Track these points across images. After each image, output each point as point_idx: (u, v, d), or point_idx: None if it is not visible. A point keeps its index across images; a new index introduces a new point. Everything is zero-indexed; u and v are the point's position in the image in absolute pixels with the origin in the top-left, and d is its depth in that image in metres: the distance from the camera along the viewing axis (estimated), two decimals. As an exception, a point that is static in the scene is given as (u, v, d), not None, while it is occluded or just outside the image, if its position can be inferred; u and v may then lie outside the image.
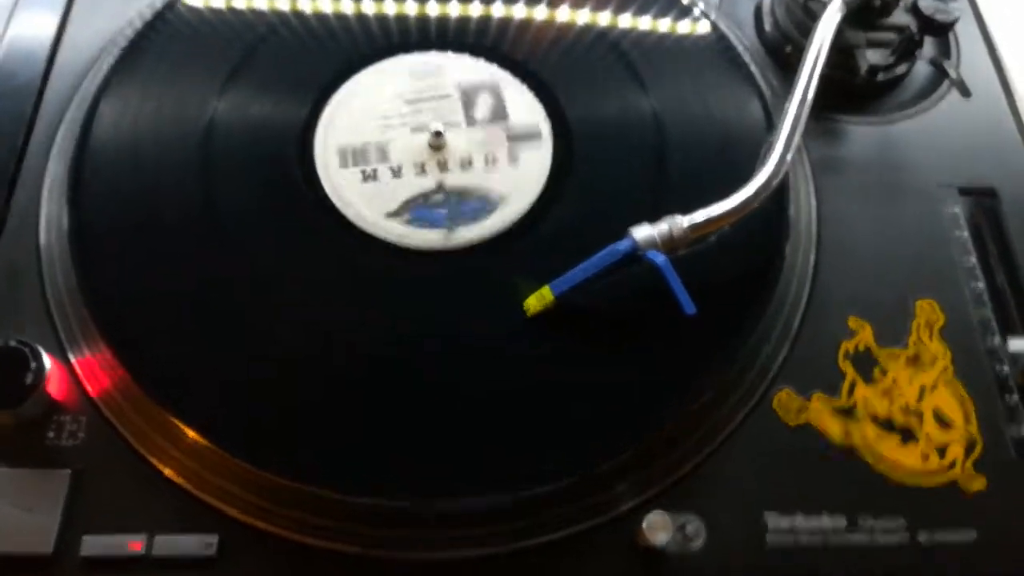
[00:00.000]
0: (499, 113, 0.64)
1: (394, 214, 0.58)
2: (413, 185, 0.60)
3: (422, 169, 0.61)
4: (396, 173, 0.60)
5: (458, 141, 0.62)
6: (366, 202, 0.59)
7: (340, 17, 0.67)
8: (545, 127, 0.63)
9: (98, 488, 0.50)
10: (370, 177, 0.60)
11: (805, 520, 0.51)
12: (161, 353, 0.52)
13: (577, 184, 0.60)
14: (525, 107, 0.64)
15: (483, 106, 0.64)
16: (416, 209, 0.59)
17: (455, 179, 0.60)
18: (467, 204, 0.59)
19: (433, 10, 0.68)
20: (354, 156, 0.60)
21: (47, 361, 0.51)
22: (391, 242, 0.57)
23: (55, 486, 0.49)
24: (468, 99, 0.64)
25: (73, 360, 0.53)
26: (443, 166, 0.61)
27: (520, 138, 0.63)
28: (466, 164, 0.61)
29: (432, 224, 0.58)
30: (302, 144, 0.61)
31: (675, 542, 0.49)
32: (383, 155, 0.61)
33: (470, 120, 0.63)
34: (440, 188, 0.60)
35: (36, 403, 0.50)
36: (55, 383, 0.51)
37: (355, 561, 0.49)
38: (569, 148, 0.62)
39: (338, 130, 0.62)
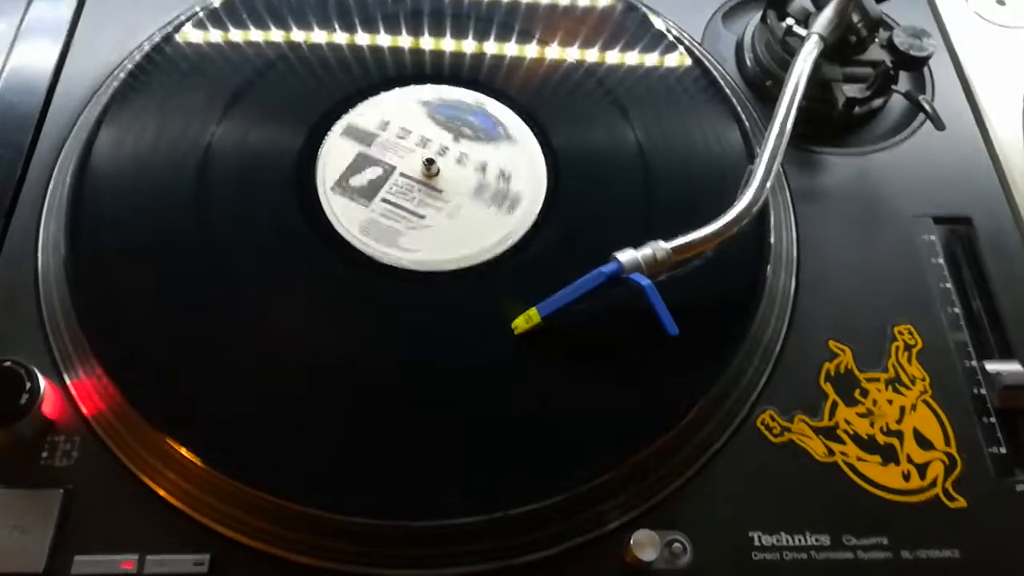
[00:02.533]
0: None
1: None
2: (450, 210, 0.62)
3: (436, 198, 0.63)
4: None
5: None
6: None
7: (335, 50, 0.69)
8: (538, 156, 0.65)
9: (91, 508, 0.50)
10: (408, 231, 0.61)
11: (789, 538, 0.52)
12: (155, 375, 0.53)
13: (566, 210, 0.62)
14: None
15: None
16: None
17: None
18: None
19: (429, 45, 0.70)
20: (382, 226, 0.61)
21: (42, 382, 0.51)
22: (384, 264, 0.58)
23: (48, 506, 0.50)
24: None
25: (68, 381, 0.54)
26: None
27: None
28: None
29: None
30: (299, 172, 0.62)
31: (662, 559, 0.50)
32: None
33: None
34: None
35: (31, 423, 0.51)
36: (50, 403, 0.52)
37: (343, 578, 0.49)
38: (559, 177, 0.64)
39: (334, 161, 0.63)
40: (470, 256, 0.59)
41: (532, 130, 0.66)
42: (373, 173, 0.63)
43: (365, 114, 0.66)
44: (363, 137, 0.65)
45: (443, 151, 0.64)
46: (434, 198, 0.62)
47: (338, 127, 0.65)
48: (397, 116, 0.66)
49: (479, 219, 0.61)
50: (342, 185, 0.62)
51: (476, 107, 0.67)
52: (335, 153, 0.64)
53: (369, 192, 0.62)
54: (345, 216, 0.61)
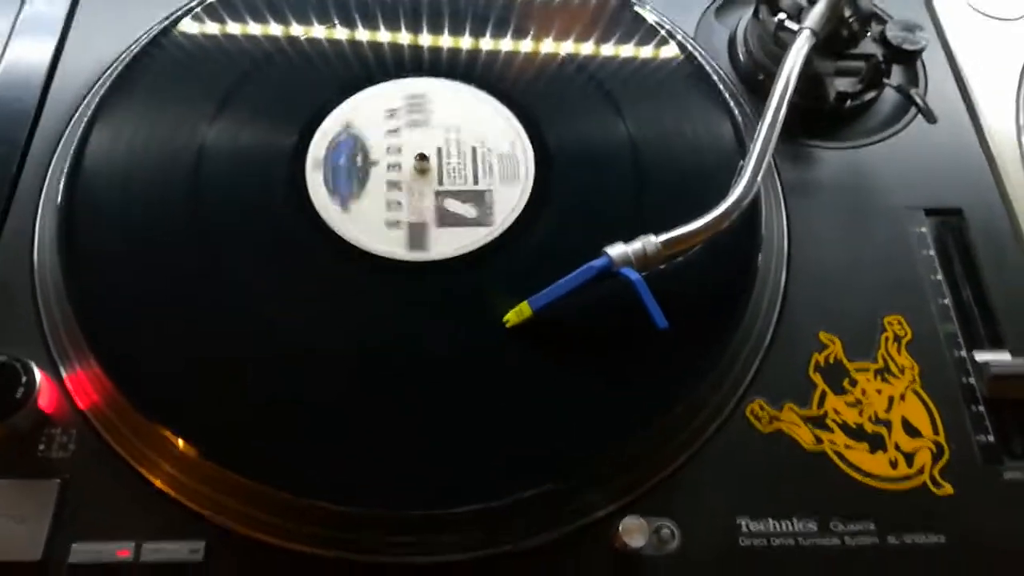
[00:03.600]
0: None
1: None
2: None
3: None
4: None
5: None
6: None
7: (333, 44, 0.70)
8: (528, 151, 0.65)
9: (87, 497, 0.51)
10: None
11: (777, 524, 0.52)
12: (149, 368, 0.54)
13: (557, 205, 0.63)
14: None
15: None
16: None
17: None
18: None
19: (424, 40, 0.71)
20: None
21: (38, 375, 0.52)
22: (377, 255, 0.59)
23: (45, 496, 0.51)
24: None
25: (64, 375, 0.55)
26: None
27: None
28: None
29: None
30: (291, 166, 0.63)
31: (650, 545, 0.50)
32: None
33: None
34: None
35: (27, 416, 0.52)
36: (46, 397, 0.53)
37: (337, 565, 0.50)
38: (549, 171, 0.64)
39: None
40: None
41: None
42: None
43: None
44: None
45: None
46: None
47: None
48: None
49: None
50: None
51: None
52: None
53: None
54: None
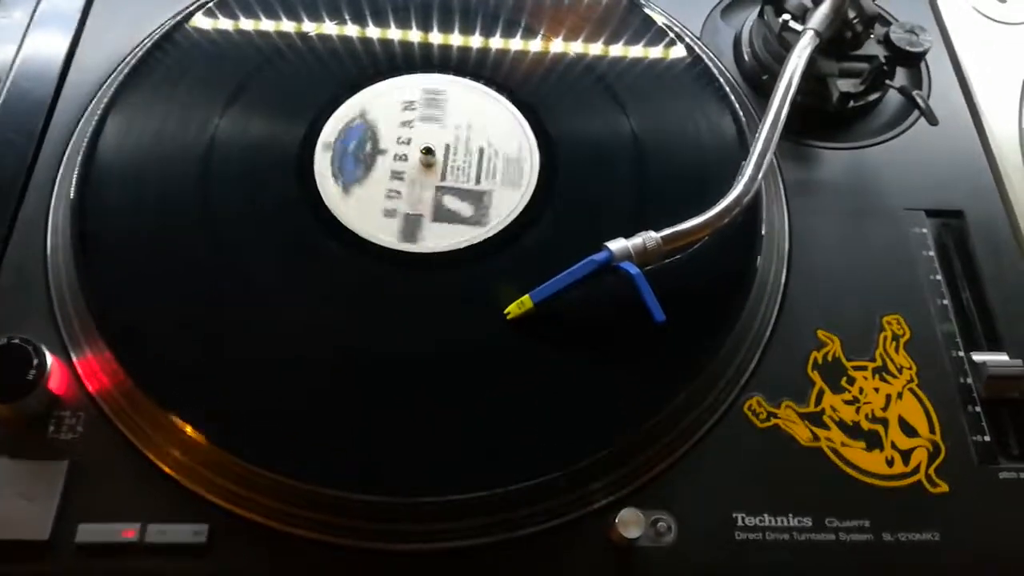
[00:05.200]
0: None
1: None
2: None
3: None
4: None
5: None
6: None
7: (343, 40, 0.71)
8: (534, 153, 0.66)
9: (94, 479, 0.52)
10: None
11: (772, 519, 0.53)
12: (158, 353, 0.55)
13: (555, 213, 0.63)
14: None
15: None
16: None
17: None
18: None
19: (434, 38, 0.72)
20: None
21: (49, 358, 0.53)
22: (382, 246, 0.60)
23: (53, 477, 0.51)
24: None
25: (74, 358, 0.56)
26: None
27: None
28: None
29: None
30: (300, 158, 0.64)
31: (647, 537, 0.51)
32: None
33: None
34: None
35: (37, 398, 0.52)
36: (56, 379, 0.54)
37: (338, 551, 0.51)
38: (554, 177, 0.65)
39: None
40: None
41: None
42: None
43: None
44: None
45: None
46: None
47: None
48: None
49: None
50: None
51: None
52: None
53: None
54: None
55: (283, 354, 0.55)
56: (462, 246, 0.61)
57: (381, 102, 0.68)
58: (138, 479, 0.52)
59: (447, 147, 0.66)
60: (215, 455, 0.52)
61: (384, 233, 0.61)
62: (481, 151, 0.66)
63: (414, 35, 0.71)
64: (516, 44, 0.72)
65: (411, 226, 0.61)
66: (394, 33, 0.72)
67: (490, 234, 0.61)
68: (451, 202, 0.63)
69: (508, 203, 0.63)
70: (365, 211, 0.62)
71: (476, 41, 0.72)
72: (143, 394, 0.53)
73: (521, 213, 0.63)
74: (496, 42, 0.72)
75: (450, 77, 0.70)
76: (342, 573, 0.51)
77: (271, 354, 0.55)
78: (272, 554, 0.51)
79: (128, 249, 0.59)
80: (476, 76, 0.70)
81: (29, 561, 0.49)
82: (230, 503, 0.51)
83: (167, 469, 0.52)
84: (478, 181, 0.64)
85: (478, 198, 0.63)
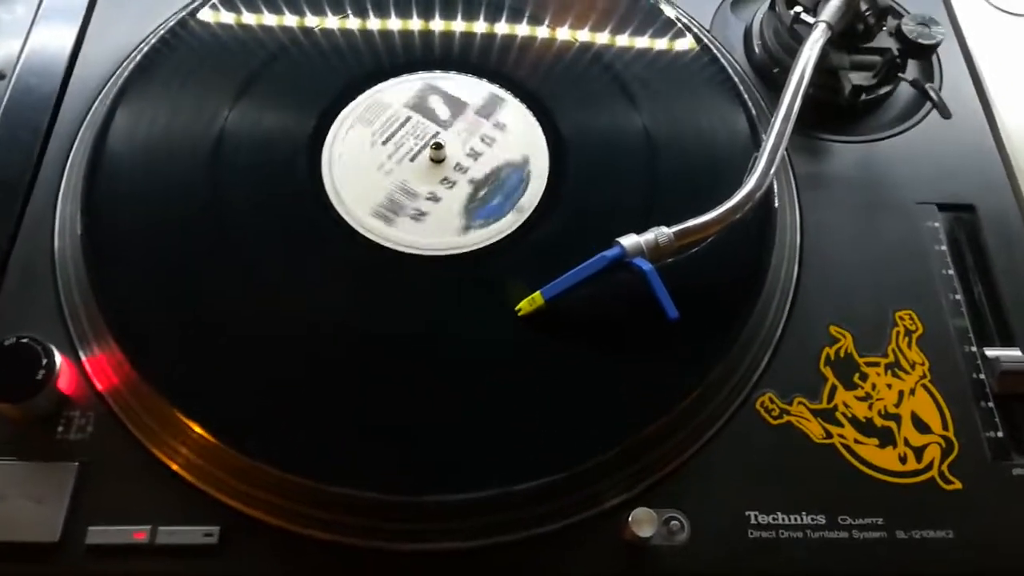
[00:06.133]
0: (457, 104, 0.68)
1: (465, 228, 0.61)
2: (458, 196, 0.63)
3: (446, 180, 0.64)
4: (434, 199, 0.63)
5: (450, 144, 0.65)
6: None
7: (347, 35, 0.70)
8: (541, 143, 0.66)
9: (104, 480, 0.52)
10: (419, 217, 0.62)
11: (785, 517, 0.53)
12: (168, 352, 0.55)
13: (571, 196, 0.63)
14: (523, 124, 0.67)
15: (440, 107, 0.67)
16: (477, 212, 0.62)
17: (477, 169, 0.64)
18: (507, 180, 0.63)
19: (440, 31, 0.71)
20: (390, 210, 0.62)
21: (58, 358, 0.53)
22: (389, 247, 0.60)
23: (63, 478, 0.51)
24: (425, 109, 0.67)
25: (83, 357, 0.55)
26: (459, 168, 0.64)
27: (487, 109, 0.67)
28: (474, 154, 0.65)
29: (498, 215, 0.62)
30: (310, 154, 0.64)
31: (659, 536, 0.51)
32: (410, 194, 0.63)
33: (443, 124, 0.67)
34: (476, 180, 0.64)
35: (46, 398, 0.52)
36: (65, 379, 0.53)
37: (348, 551, 0.50)
38: (564, 161, 0.65)
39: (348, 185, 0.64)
40: (475, 239, 0.61)
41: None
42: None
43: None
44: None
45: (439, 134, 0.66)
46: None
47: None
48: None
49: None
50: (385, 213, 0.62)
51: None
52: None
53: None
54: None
55: (295, 352, 0.55)
56: (475, 242, 0.60)
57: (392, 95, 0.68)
58: (148, 479, 0.52)
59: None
60: (225, 454, 0.51)
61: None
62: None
63: (419, 28, 0.71)
64: (525, 38, 0.71)
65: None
66: (402, 27, 0.71)
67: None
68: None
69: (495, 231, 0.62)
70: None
71: (484, 35, 0.71)
72: (153, 392, 0.53)
73: (533, 210, 0.62)
74: (505, 36, 0.71)
75: (459, 74, 0.69)
76: (353, 573, 0.51)
77: (283, 352, 0.55)
78: (284, 555, 0.50)
79: (137, 246, 0.58)
80: (484, 71, 0.69)
81: (39, 563, 0.49)
82: (241, 503, 0.51)
83: (178, 469, 0.52)
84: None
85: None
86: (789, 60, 0.66)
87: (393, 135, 0.65)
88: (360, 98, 0.67)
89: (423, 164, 0.64)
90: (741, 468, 0.54)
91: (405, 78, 0.69)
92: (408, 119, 0.66)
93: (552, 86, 0.68)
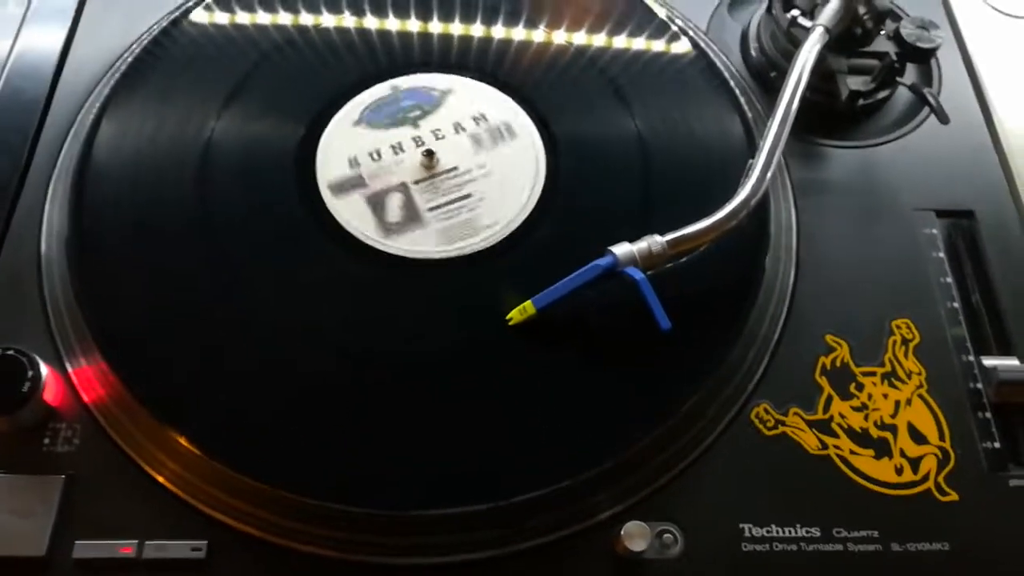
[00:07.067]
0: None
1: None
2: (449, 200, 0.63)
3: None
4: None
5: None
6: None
7: (342, 36, 0.69)
8: (538, 146, 0.65)
9: (91, 493, 0.51)
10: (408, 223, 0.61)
11: (780, 529, 0.52)
12: (155, 364, 0.54)
13: (563, 203, 0.62)
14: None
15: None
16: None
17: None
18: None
19: (436, 34, 0.71)
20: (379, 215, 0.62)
21: (44, 370, 0.52)
22: (381, 253, 0.59)
23: (49, 491, 0.51)
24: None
25: (70, 369, 0.55)
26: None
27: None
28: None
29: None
30: (300, 161, 0.63)
31: (653, 550, 0.50)
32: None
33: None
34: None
35: (32, 411, 0.52)
36: (51, 391, 0.53)
37: (339, 566, 0.50)
38: (557, 168, 0.64)
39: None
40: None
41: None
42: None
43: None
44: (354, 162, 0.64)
45: (427, 138, 0.65)
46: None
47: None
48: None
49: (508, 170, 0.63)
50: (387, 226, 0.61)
51: (401, 92, 0.67)
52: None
53: (416, 216, 0.62)
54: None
55: (282, 365, 0.54)
56: (465, 251, 0.60)
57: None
58: (136, 492, 0.51)
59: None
60: (213, 468, 0.51)
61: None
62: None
63: (415, 29, 0.70)
64: (519, 40, 0.70)
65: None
66: (397, 28, 0.70)
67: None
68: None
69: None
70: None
71: (478, 38, 0.70)
72: (140, 404, 0.52)
73: (526, 217, 0.61)
74: (498, 39, 0.70)
75: (452, 76, 0.68)
76: (344, 587, 0.50)
77: (270, 365, 0.54)
78: (272, 569, 0.50)
79: (124, 255, 0.58)
80: (480, 74, 0.68)
81: (25, 577, 0.49)
82: (229, 517, 0.51)
83: (165, 482, 0.52)
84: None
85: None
86: (786, 64, 0.66)
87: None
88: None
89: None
90: (735, 480, 0.54)
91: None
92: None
93: (546, 90, 0.68)
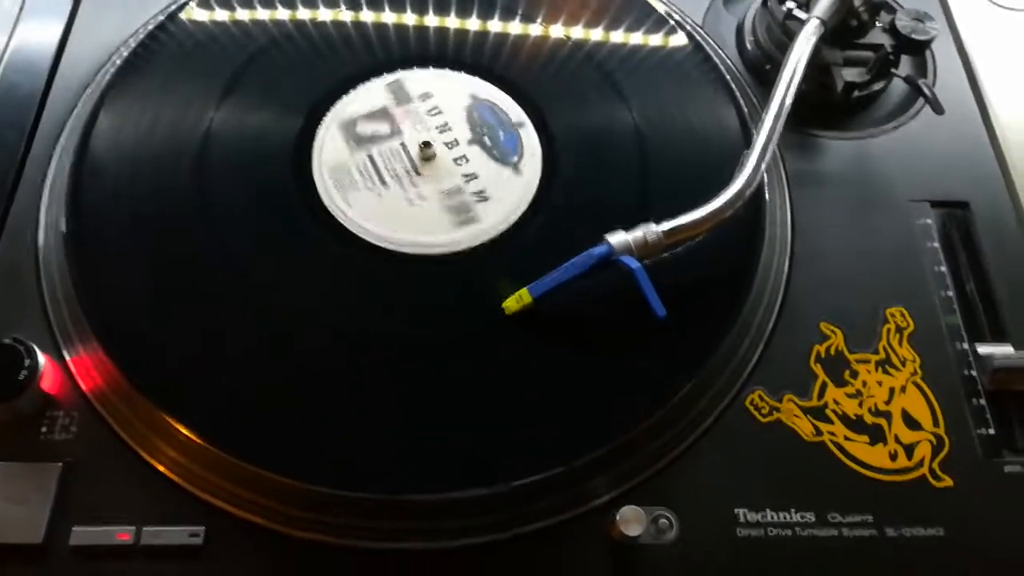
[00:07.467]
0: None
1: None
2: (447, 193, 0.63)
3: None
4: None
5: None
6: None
7: (339, 29, 0.70)
8: (533, 137, 0.65)
9: (89, 480, 0.51)
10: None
11: (774, 514, 0.52)
12: (152, 352, 0.54)
13: (561, 195, 0.62)
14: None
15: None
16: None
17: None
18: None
19: (432, 28, 0.71)
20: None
21: (41, 358, 0.53)
22: (380, 246, 0.59)
23: (47, 478, 0.51)
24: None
25: (67, 357, 0.55)
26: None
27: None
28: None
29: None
30: (297, 152, 0.63)
31: (648, 534, 0.50)
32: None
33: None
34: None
35: (30, 399, 0.52)
36: (49, 379, 0.53)
37: (335, 551, 0.50)
38: (554, 161, 0.64)
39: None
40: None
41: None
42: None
43: (412, 80, 0.68)
44: (400, 98, 0.66)
45: (452, 144, 0.65)
46: (409, 177, 0.63)
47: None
48: (443, 95, 0.67)
49: (431, 217, 0.61)
50: (349, 126, 0.63)
51: (512, 128, 0.66)
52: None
53: (363, 141, 0.63)
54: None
55: (278, 352, 0.55)
56: (464, 243, 0.60)
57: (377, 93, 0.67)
58: (133, 479, 0.51)
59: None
60: (211, 454, 0.51)
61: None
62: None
63: (410, 24, 0.70)
64: (515, 33, 0.71)
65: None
66: (391, 22, 0.70)
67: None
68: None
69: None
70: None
71: (473, 30, 0.71)
72: (137, 392, 0.52)
73: (524, 210, 0.62)
74: (495, 31, 0.71)
75: (444, 71, 0.69)
76: (340, 573, 0.50)
77: (266, 352, 0.55)
78: (269, 555, 0.50)
79: (121, 246, 0.58)
80: (474, 66, 0.69)
81: (23, 565, 0.49)
82: (226, 503, 0.51)
83: (163, 469, 0.52)
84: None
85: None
86: (781, 56, 0.66)
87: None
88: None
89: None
90: (730, 466, 0.54)
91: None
92: (436, 113, 0.66)
93: (542, 83, 0.68)
